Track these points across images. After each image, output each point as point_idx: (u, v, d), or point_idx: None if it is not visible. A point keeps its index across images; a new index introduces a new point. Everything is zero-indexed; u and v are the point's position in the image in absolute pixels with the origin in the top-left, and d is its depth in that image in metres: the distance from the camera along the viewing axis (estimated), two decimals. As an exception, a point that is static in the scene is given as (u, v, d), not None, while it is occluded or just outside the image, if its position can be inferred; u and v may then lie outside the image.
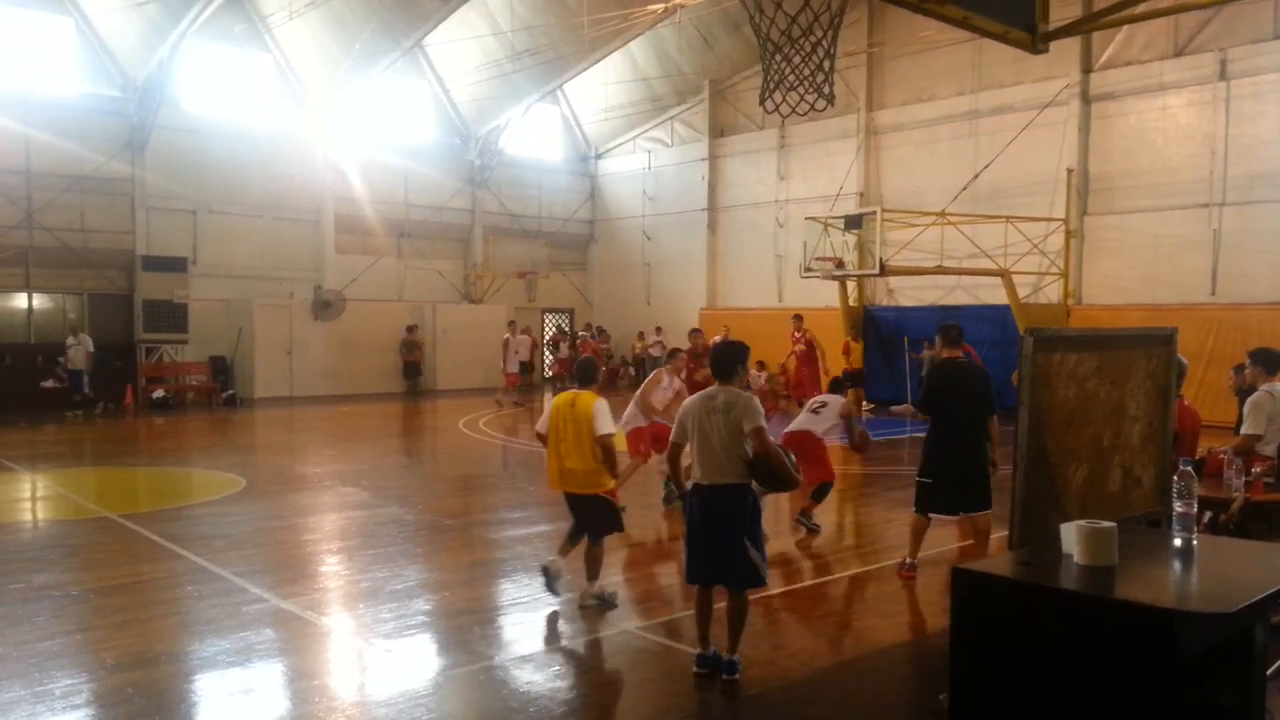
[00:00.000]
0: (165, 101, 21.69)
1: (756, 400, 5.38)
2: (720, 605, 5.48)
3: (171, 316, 21.65)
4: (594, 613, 6.56)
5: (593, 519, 6.67)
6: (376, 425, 19.27)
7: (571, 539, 6.90)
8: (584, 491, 6.56)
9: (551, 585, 6.74)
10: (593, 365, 7.00)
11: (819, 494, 9.34)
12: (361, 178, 24.63)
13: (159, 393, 21.19)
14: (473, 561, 8.21)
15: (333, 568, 8.04)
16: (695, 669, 5.46)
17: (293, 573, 7.76)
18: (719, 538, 5.36)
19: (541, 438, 6.78)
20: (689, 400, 5.56)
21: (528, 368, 27.11)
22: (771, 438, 5.34)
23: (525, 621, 6.64)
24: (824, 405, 9.46)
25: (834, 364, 19.14)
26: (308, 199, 24.32)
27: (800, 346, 19.29)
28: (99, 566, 7.82)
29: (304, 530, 9.48)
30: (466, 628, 6.34)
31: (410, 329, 25.20)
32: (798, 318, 19.90)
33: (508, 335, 21.81)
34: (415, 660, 5.82)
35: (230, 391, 22.31)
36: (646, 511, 10.77)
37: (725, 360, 5.50)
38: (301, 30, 22.88)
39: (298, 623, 6.41)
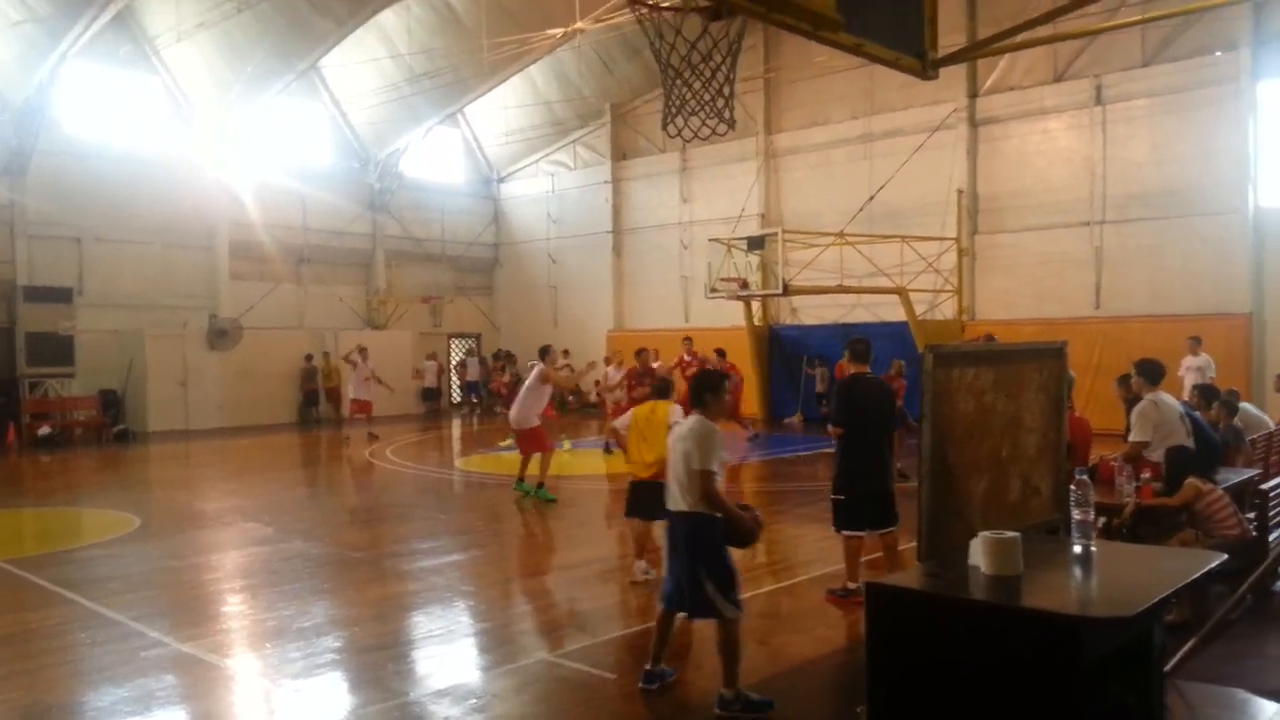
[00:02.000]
0: (46, 124, 20.81)
1: (714, 438, 5.27)
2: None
3: (57, 349, 20.68)
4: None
5: (661, 504, 7.27)
6: (278, 457, 18.71)
7: (639, 542, 7.93)
8: (660, 480, 7.12)
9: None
10: (668, 384, 8.51)
11: None
12: (257, 202, 23.93)
13: (45, 430, 20.19)
14: (383, 595, 8.02)
15: (236, 607, 7.76)
16: (641, 685, 5.48)
17: (193, 614, 7.45)
18: (680, 565, 5.37)
19: (616, 434, 8.53)
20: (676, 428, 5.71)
21: (435, 394, 26.82)
22: (722, 492, 5.32)
23: (439, 655, 6.52)
24: None
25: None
26: (200, 225, 23.58)
27: (692, 370, 19.21)
28: (-19, 616, 7.38)
29: (204, 569, 9.13)
30: (379, 664, 6.19)
31: (308, 358, 24.58)
32: (688, 339, 19.71)
33: (357, 360, 19.59)
34: (326, 700, 5.65)
35: (121, 426, 21.40)
36: (564, 535, 10.72)
37: (694, 388, 5.57)
38: (191, 52, 22.23)
39: (200, 666, 6.16)
